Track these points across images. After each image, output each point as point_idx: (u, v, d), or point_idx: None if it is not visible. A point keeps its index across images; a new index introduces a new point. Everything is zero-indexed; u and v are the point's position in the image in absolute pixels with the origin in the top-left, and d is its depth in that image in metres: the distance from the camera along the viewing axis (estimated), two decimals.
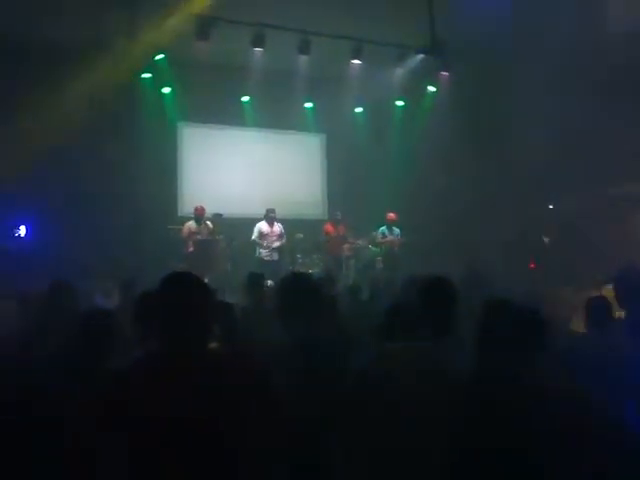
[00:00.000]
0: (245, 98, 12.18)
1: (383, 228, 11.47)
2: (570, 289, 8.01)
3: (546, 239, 12.01)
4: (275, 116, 12.15)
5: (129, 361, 2.34)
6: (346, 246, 11.48)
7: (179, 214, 11.83)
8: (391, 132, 12.72)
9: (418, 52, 11.54)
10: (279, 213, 10.94)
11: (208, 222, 10.53)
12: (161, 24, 9.85)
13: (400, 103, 13.10)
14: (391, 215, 11.46)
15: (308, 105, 12.70)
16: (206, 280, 8.74)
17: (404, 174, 12.37)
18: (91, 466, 2.16)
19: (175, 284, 2.34)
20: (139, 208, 10.64)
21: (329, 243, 11.27)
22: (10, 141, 9.95)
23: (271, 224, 10.76)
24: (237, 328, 3.82)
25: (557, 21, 9.88)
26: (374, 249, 11.63)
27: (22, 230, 10.51)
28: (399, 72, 12.23)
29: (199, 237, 10.31)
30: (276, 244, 10.69)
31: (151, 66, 10.88)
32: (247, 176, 12.59)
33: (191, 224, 10.41)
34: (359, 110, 13.05)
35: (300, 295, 3.01)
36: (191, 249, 10.25)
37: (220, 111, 11.80)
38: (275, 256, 10.67)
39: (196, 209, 10.51)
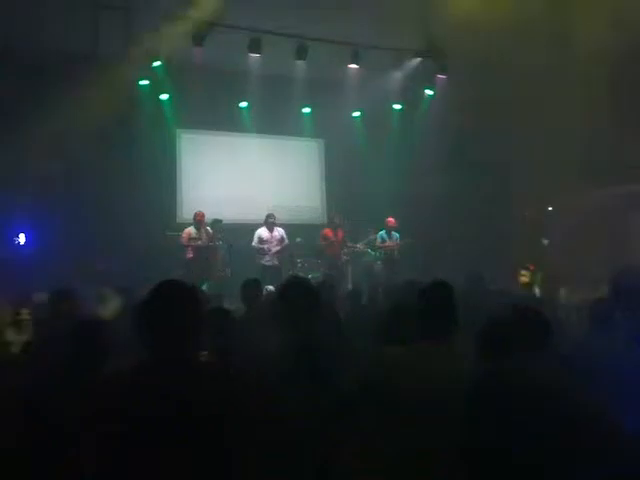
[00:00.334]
0: (243, 104, 12.19)
1: (382, 233, 11.47)
2: (569, 290, 8.03)
3: (545, 241, 12.02)
4: (273, 121, 12.16)
5: (116, 371, 2.36)
6: (345, 251, 11.48)
7: (178, 220, 11.83)
8: (389, 136, 12.72)
9: (415, 55, 11.60)
10: (278, 218, 10.95)
11: (208, 228, 10.53)
12: (158, 31, 9.85)
13: (398, 107, 13.10)
14: (390, 220, 11.46)
15: (306, 110, 12.72)
16: (205, 286, 8.72)
17: (402, 178, 12.38)
18: (80, 475, 2.17)
19: (161, 293, 2.35)
20: (138, 214, 10.62)
21: (328, 248, 11.27)
22: (8, 150, 9.97)
23: (271, 229, 10.77)
24: (234, 334, 3.81)
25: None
26: (373, 253, 11.63)
27: (22, 238, 10.51)
28: (396, 76, 12.25)
29: (199, 243, 10.30)
30: (276, 248, 10.69)
31: (149, 73, 10.89)
32: (246, 182, 12.58)
33: (191, 230, 10.41)
34: (357, 114, 13.07)
35: (300, 300, 3.01)
36: (191, 255, 10.24)
37: (218, 117, 11.81)
38: (275, 261, 10.67)
39: (196, 215, 10.51)
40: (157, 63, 10.73)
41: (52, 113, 10.15)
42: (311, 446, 2.47)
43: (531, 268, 10.60)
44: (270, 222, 10.78)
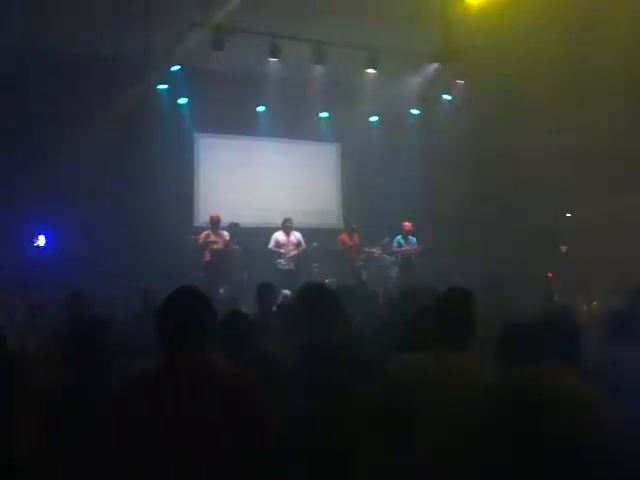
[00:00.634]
0: (261, 108, 12.23)
1: (399, 238, 11.44)
2: (586, 298, 7.96)
3: (564, 248, 11.92)
4: (290, 126, 12.19)
5: (127, 377, 2.40)
6: (361, 255, 11.47)
7: (195, 224, 11.88)
8: (406, 141, 12.69)
9: (433, 60, 11.56)
10: (294, 222, 10.96)
11: (224, 232, 10.56)
12: (178, 35, 9.92)
13: (415, 112, 13.08)
14: (407, 225, 11.44)
15: (323, 114, 12.73)
16: (222, 290, 8.74)
17: (419, 183, 12.35)
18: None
19: (176, 300, 2.46)
20: (156, 218, 10.69)
21: (345, 252, 11.27)
22: (28, 153, 10.09)
23: (288, 233, 10.79)
24: (251, 338, 3.81)
25: None
26: (389, 258, 11.60)
27: (41, 240, 10.61)
28: (414, 81, 12.22)
29: (215, 247, 10.33)
30: (292, 253, 10.70)
31: (167, 77, 10.97)
32: (263, 186, 12.62)
33: (207, 233, 10.45)
34: (374, 119, 13.06)
35: (319, 305, 3.01)
36: (208, 258, 10.28)
37: (236, 121, 11.86)
38: (292, 265, 10.67)
39: (212, 217, 10.54)
40: (176, 67, 10.81)
41: (72, 117, 10.28)
42: (329, 455, 2.47)
43: (550, 275, 10.53)
44: (287, 226, 10.81)
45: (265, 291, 5.36)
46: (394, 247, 11.46)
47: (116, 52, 10.09)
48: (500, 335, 2.41)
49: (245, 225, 11.09)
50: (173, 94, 11.33)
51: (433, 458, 2.31)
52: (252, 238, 10.94)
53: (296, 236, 10.88)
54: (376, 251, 11.72)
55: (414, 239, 11.44)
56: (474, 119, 12.06)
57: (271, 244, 10.72)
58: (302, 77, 11.30)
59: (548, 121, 11.16)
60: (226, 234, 10.53)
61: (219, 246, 10.33)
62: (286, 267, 10.59)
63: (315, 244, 11.55)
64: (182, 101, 11.58)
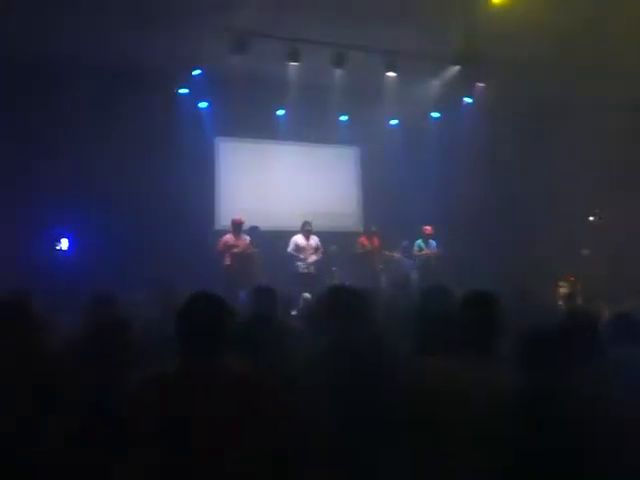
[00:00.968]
0: (280, 112, 12.27)
1: (419, 241, 11.42)
2: (608, 302, 7.86)
3: (585, 251, 11.80)
4: (310, 129, 12.21)
5: (145, 376, 2.44)
6: (381, 258, 11.44)
7: (216, 227, 11.94)
8: (426, 144, 12.65)
9: (453, 63, 11.52)
10: (314, 225, 10.96)
11: (246, 235, 10.59)
12: (198, 39, 9.98)
13: (435, 115, 13.04)
14: (427, 228, 11.41)
15: (343, 118, 12.73)
16: (242, 294, 8.70)
17: (439, 186, 12.30)
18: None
19: (193, 303, 2.51)
20: (177, 221, 10.77)
21: (364, 255, 11.25)
22: (49, 156, 10.21)
23: (307, 237, 10.79)
24: (274, 340, 3.81)
25: None
26: (409, 262, 11.57)
27: (64, 243, 10.72)
28: (434, 84, 12.17)
29: (236, 250, 10.35)
30: (312, 258, 10.69)
31: (188, 81, 11.05)
32: (283, 189, 12.65)
33: (228, 237, 10.48)
34: (394, 122, 13.03)
35: (345, 308, 3.02)
36: (228, 262, 10.30)
37: (256, 125, 11.88)
38: (312, 269, 10.66)
39: (234, 220, 10.57)
40: (197, 72, 10.88)
41: (93, 121, 10.39)
42: (351, 456, 2.46)
43: (570, 279, 10.42)
44: (307, 229, 10.81)
45: (262, 296, 5.17)
46: (415, 251, 11.44)
47: (137, 57, 10.18)
48: (524, 339, 2.39)
49: (265, 228, 11.12)
50: (194, 98, 11.41)
51: (456, 461, 2.30)
52: (272, 241, 10.95)
53: (315, 240, 10.88)
54: (396, 254, 11.69)
55: (434, 243, 11.41)
56: (494, 122, 11.99)
57: (290, 247, 10.73)
58: (322, 81, 11.31)
59: (569, 124, 11.08)
60: (247, 238, 10.56)
61: (240, 250, 10.35)
62: (306, 270, 10.59)
63: (334, 247, 11.54)
64: (202, 105, 11.66)
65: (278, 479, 2.22)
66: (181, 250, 10.39)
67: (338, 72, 11.27)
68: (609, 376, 2.72)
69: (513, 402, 2.05)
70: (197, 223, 11.38)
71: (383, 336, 3.44)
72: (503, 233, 12.00)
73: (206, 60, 10.43)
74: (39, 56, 10.06)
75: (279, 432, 2.27)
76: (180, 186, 10.99)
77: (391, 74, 11.43)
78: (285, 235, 11.01)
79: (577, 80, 10.47)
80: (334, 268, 11.37)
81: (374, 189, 13.05)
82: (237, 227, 10.51)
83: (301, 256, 10.64)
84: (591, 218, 12.55)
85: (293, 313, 6.22)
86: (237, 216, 10.66)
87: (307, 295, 7.54)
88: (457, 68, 11.54)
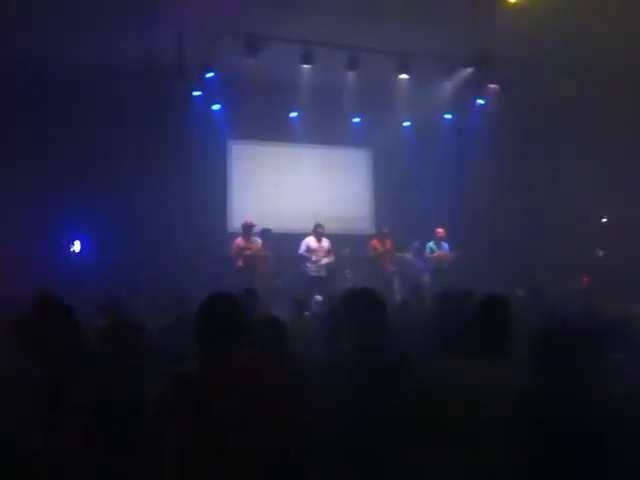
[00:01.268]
0: (293, 114, 12.27)
1: (431, 244, 11.39)
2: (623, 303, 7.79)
3: (600, 252, 11.72)
4: (323, 131, 12.20)
5: (172, 376, 2.48)
6: (393, 261, 11.41)
7: (229, 230, 11.96)
8: (439, 146, 12.62)
9: (466, 65, 11.48)
10: (326, 228, 10.95)
11: (257, 238, 10.60)
12: (212, 42, 10.01)
13: (448, 116, 13.00)
14: (440, 231, 11.38)
15: (356, 120, 12.72)
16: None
17: (452, 188, 12.26)
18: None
19: (211, 303, 2.58)
20: (190, 223, 10.82)
21: (376, 258, 11.23)
22: (62, 159, 10.28)
23: (319, 239, 10.78)
24: (285, 342, 3.82)
25: None
26: (421, 264, 11.53)
27: (77, 246, 10.78)
28: (447, 85, 12.14)
29: (248, 253, 10.36)
30: (324, 261, 10.68)
31: (201, 84, 11.08)
32: (295, 191, 12.67)
33: (239, 240, 10.49)
34: (407, 124, 13.00)
35: (365, 311, 3.03)
36: (241, 264, 10.31)
37: (269, 127, 11.91)
38: (323, 272, 10.65)
39: (245, 223, 10.59)
40: (210, 74, 10.91)
41: (106, 123, 10.46)
42: (368, 454, 2.47)
43: (584, 280, 10.35)
44: (318, 232, 10.80)
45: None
46: (426, 253, 11.40)
47: (151, 59, 10.22)
48: (539, 341, 2.38)
49: (277, 231, 11.13)
50: (207, 101, 11.43)
51: (469, 460, 2.30)
52: (284, 244, 10.96)
53: (327, 243, 10.86)
54: (407, 255, 11.66)
55: (446, 245, 11.37)
56: (507, 123, 11.94)
57: (302, 249, 10.72)
58: (335, 83, 11.30)
59: (584, 125, 11.02)
60: (259, 240, 10.57)
61: (251, 252, 10.36)
62: (317, 274, 10.58)
63: (347, 250, 11.53)
64: (216, 107, 11.69)
65: (299, 472, 2.27)
66: (193, 252, 10.43)
67: (351, 74, 11.27)
68: (623, 377, 2.70)
69: (532, 402, 2.05)
70: (209, 225, 11.41)
71: (397, 337, 3.44)
72: (515, 234, 11.94)
73: (219, 62, 10.46)
74: (53, 57, 10.13)
75: (299, 429, 2.32)
76: (193, 188, 11.04)
77: (404, 76, 11.41)
78: (297, 238, 11.01)
79: (592, 81, 10.41)
80: (347, 271, 11.35)
81: (387, 191, 13.02)
82: (247, 230, 10.53)
83: (312, 258, 10.63)
84: (604, 220, 12.46)
85: (306, 314, 6.24)
86: (248, 219, 10.67)
87: (319, 298, 7.53)
88: (470, 70, 11.49)
